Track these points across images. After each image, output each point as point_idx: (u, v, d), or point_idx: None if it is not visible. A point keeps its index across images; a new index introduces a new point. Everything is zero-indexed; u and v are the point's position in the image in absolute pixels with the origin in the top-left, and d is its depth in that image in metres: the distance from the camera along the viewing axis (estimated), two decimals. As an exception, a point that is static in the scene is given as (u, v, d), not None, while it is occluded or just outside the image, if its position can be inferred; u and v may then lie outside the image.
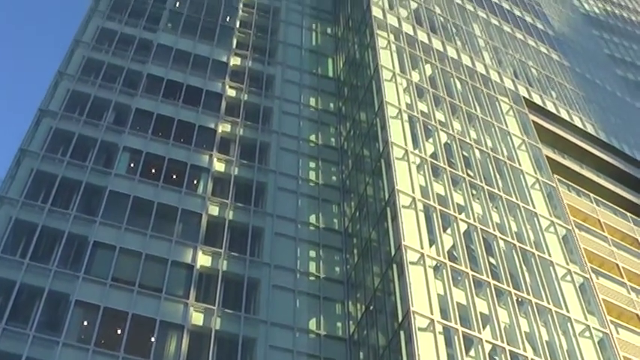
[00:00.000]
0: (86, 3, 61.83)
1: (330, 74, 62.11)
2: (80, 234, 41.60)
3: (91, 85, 51.49)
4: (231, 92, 55.87)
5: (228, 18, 63.82)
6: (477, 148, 49.33)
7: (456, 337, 35.19)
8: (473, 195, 45.24)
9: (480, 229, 42.35)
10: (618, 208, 56.86)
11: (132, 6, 60.07)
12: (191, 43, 58.80)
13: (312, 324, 42.69)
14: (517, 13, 74.37)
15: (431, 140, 47.20)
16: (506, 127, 53.85)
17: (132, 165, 47.37)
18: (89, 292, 38.79)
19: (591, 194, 55.65)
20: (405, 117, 46.95)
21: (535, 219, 46.62)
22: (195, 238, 44.10)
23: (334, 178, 52.90)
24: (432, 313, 35.35)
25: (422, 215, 40.81)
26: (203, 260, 43.13)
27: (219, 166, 49.65)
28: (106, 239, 41.69)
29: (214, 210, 46.59)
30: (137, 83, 53.13)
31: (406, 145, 44.61)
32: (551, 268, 43.47)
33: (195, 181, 48.32)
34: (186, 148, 49.47)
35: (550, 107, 61.61)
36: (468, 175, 46.37)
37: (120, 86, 52.16)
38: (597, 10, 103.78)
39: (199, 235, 44.32)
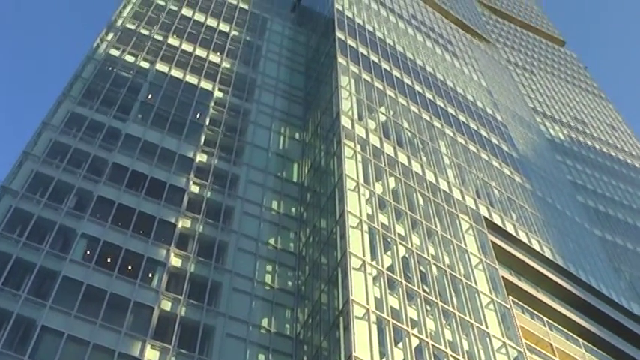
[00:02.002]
0: (58, 86, 64.10)
1: (295, 179, 64.44)
2: (29, 317, 42.36)
3: (55, 168, 53.09)
4: (195, 188, 57.75)
5: (198, 115, 66.42)
6: (434, 264, 51.32)
7: None
8: (427, 311, 46.87)
9: (432, 345, 43.84)
10: (571, 334, 58.85)
11: (104, 94, 62.43)
12: (159, 135, 60.99)
13: None
14: (483, 133, 77.90)
15: (389, 253, 49.13)
16: (465, 245, 56.02)
17: (88, 252, 48.54)
18: (33, 377, 39.35)
19: (545, 318, 57.70)
20: (366, 228, 49.01)
21: (487, 339, 48.20)
22: (145, 331, 44.92)
23: (290, 283, 54.36)
24: None
25: (374, 327, 42.16)
26: (151, 355, 43.84)
27: (175, 261, 50.97)
28: (54, 324, 42.45)
29: (167, 305, 47.65)
30: (102, 171, 54.85)
31: (364, 255, 46.48)
32: (499, 389, 44.89)
33: (150, 274, 49.48)
34: (144, 240, 50.86)
35: (510, 229, 64.14)
36: (424, 290, 48.10)
37: (84, 172, 53.79)
38: (562, 137, 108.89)
39: (149, 329, 45.16)
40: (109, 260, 48.48)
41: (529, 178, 78.03)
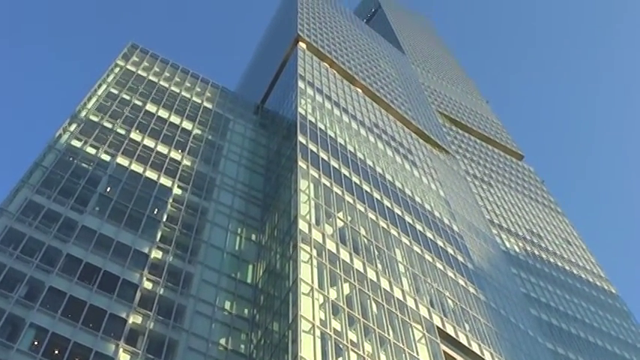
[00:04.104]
0: (17, 173, 64.82)
1: (249, 280, 65.26)
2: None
3: (8, 255, 53.69)
4: (148, 284, 58.39)
5: (156, 210, 67.57)
6: (385, 372, 52.00)
7: None
8: (375, 419, 47.40)
9: None
10: None
11: (63, 184, 63.54)
12: (115, 229, 61.91)
13: None
14: (439, 243, 79.60)
15: (340, 359, 49.81)
16: (417, 354, 56.77)
17: (36, 343, 48.80)
18: None
19: None
20: (318, 333, 49.81)
21: None
22: None
23: (238, 385, 54.65)
24: None
25: None
26: None
27: (124, 357, 51.17)
28: (-5, 416, 42.45)
29: (112, 401, 47.71)
30: (55, 261, 55.50)
31: (315, 360, 47.12)
32: None
33: (97, 369, 49.63)
34: (93, 334, 51.20)
35: (462, 339, 65.12)
36: (373, 398, 48.69)
37: (37, 261, 54.43)
38: (517, 249, 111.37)
39: None
40: (56, 352, 48.81)
41: (483, 289, 79.44)
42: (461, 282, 75.54)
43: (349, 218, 67.80)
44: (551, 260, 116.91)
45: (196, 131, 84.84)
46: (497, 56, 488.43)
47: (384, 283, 62.32)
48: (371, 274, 61.86)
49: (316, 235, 60.49)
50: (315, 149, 74.83)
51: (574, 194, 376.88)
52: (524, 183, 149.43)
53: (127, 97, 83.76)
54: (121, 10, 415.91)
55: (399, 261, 68.12)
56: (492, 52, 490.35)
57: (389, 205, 76.85)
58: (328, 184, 70.08)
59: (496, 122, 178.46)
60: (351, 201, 70.81)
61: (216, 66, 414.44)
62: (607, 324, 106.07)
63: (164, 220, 66.52)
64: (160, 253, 62.37)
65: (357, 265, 61.52)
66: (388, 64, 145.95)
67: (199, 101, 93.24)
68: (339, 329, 52.43)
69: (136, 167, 71.53)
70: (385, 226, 71.85)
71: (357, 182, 75.85)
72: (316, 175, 69.77)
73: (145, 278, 58.60)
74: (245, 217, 73.37)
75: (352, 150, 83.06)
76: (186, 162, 77.31)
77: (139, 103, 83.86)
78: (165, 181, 72.01)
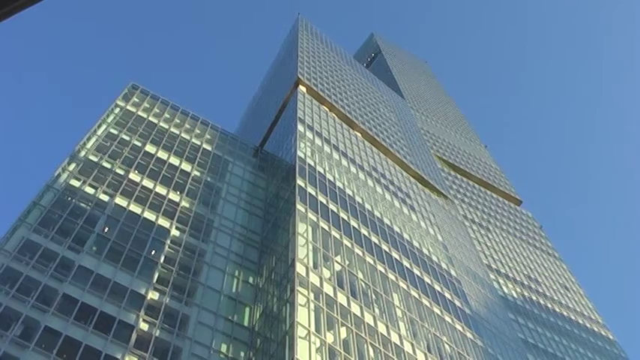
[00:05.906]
0: (14, 211, 64.96)
1: (246, 323, 65.01)
2: None
3: (4, 294, 53.61)
4: (144, 326, 58.17)
5: (153, 251, 67.54)
6: (381, 418, 51.70)
7: None
8: None
9: None
10: None
11: (61, 223, 63.63)
12: (112, 269, 61.90)
13: None
14: (437, 288, 79.48)
15: (336, 404, 49.60)
16: (413, 400, 56.63)
17: (30, 384, 48.49)
18: None
19: None
20: (314, 377, 49.64)
21: None
22: None
23: None
24: None
25: None
26: None
27: (118, 400, 50.88)
28: None
29: None
30: (51, 301, 55.35)
31: (311, 405, 46.91)
32: None
33: (91, 412, 49.34)
34: (88, 376, 50.90)
35: (460, 388, 64.94)
36: None
37: (33, 301, 54.29)
38: (515, 295, 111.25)
39: None
40: (51, 393, 48.40)
41: (481, 334, 79.17)
42: (458, 327, 75.34)
43: (347, 262, 67.80)
44: (549, 306, 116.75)
45: (195, 173, 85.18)
46: (497, 102, 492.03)
47: (382, 328, 62.15)
48: (368, 319, 61.73)
49: (314, 279, 60.46)
50: (313, 192, 75.09)
51: (572, 240, 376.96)
52: (523, 228, 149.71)
53: (127, 138, 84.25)
54: (122, 50, 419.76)
55: (396, 305, 68.00)
56: (492, 98, 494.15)
57: (387, 250, 76.90)
58: (326, 228, 70.19)
59: (495, 167, 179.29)
60: (349, 245, 70.87)
61: (216, 108, 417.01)
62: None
63: (161, 261, 66.51)
64: (157, 294, 62.26)
65: (355, 309, 61.42)
66: (387, 108, 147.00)
67: (199, 143, 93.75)
68: (335, 374, 52.24)
69: (135, 208, 71.71)
70: (383, 270, 71.83)
71: (356, 226, 75.99)
72: (314, 219, 69.93)
73: (141, 319, 58.41)
74: (242, 260, 73.34)
75: (351, 194, 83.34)
76: (185, 203, 77.51)
77: (139, 144, 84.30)
78: (163, 222, 72.13)
